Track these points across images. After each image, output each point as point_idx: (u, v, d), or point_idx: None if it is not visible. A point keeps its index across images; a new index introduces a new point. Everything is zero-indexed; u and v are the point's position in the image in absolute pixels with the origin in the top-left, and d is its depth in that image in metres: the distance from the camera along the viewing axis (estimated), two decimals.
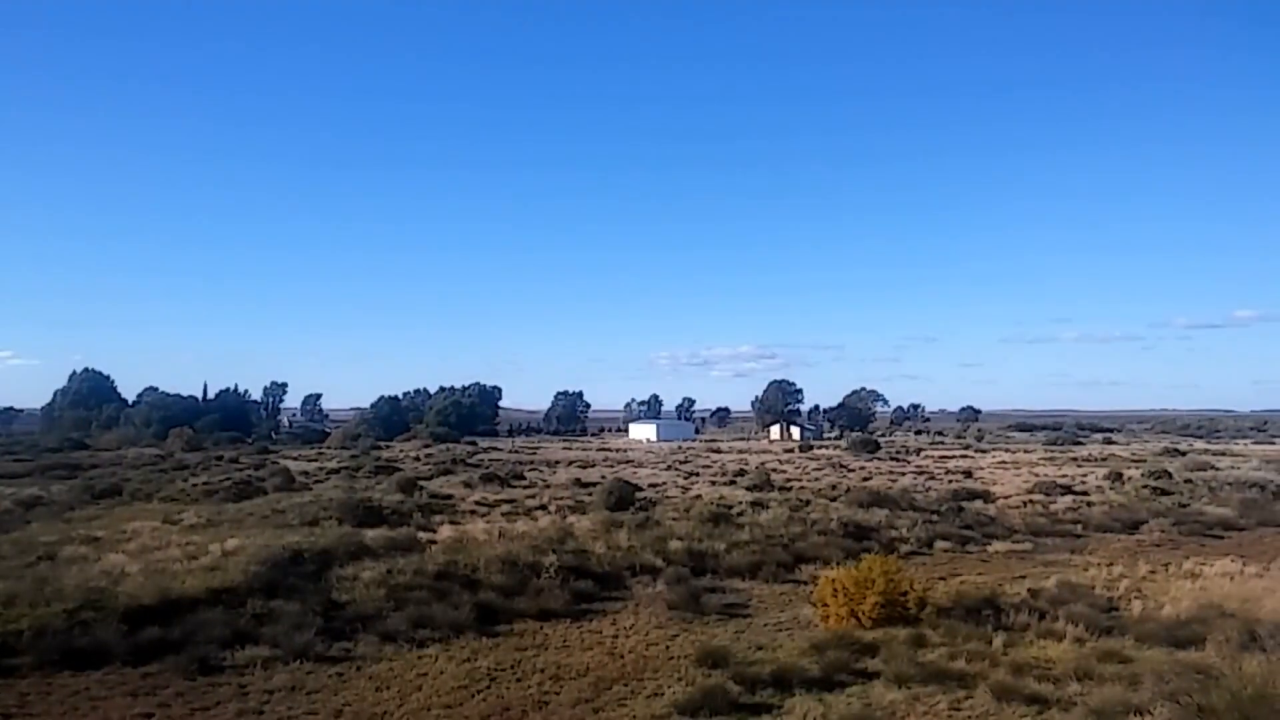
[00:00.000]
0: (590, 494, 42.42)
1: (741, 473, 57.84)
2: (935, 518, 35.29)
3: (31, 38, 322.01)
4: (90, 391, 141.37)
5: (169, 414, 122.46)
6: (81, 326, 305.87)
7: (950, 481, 53.09)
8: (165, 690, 14.84)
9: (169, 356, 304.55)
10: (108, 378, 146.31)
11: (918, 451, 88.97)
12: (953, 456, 79.62)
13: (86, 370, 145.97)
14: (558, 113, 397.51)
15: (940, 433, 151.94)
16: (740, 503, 37.93)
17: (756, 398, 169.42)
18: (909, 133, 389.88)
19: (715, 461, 72.82)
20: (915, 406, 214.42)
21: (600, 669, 16.46)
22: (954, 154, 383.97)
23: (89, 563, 24.05)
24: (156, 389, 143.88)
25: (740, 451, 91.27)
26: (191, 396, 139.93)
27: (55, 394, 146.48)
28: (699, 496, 42.13)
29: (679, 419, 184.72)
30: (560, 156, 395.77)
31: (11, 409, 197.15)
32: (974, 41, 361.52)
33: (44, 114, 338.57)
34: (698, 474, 59.45)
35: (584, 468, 65.52)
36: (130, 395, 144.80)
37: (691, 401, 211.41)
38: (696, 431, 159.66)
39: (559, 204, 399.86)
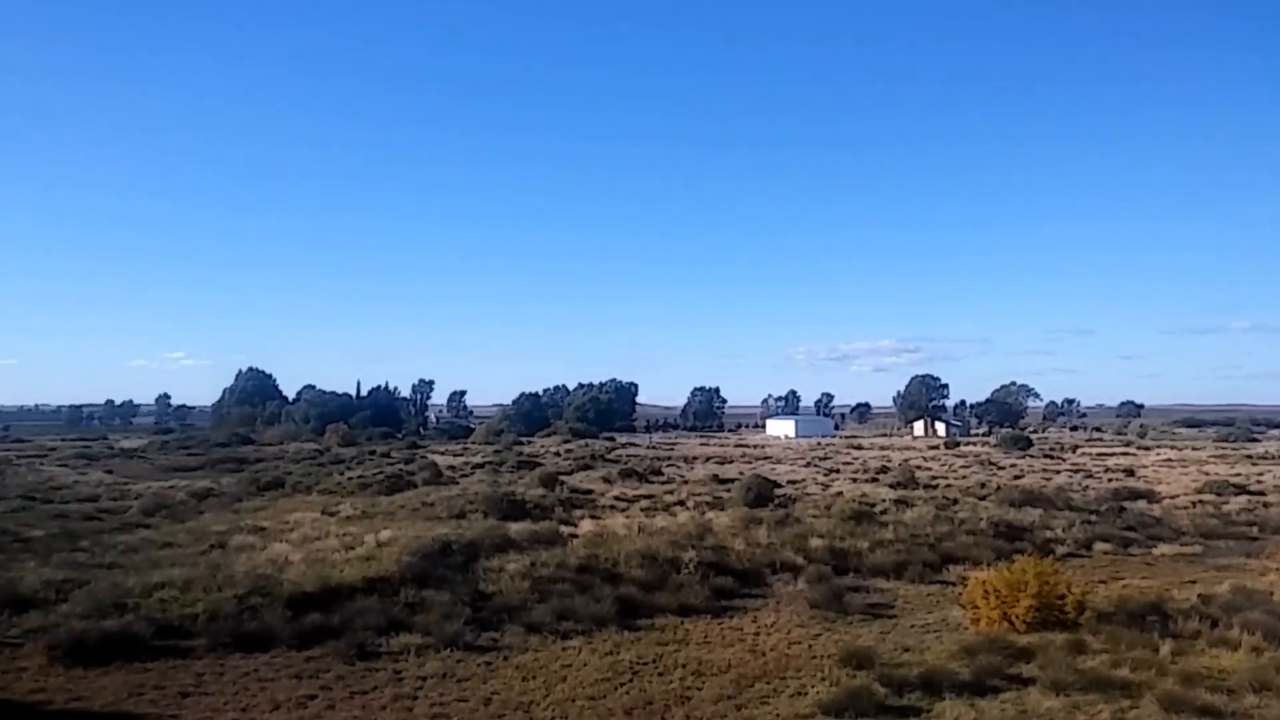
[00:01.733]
0: (728, 490, 42.30)
1: (884, 470, 56.52)
2: (1094, 518, 33.56)
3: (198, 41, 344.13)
4: (254, 389, 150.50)
5: (325, 410, 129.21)
6: (246, 328, 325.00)
7: (1110, 480, 50.45)
8: (327, 674, 15.59)
9: (325, 355, 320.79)
10: (270, 376, 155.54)
11: (1074, 448, 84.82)
12: (1112, 454, 75.50)
13: (251, 369, 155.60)
14: (692, 112, 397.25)
15: (1098, 429, 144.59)
16: (883, 500, 37.05)
17: (898, 393, 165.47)
18: (1060, 116, 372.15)
19: (856, 458, 71.44)
20: (1070, 401, 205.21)
21: (742, 666, 16.36)
22: (1107, 140, 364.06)
23: (256, 551, 25.54)
24: (314, 387, 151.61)
25: (882, 448, 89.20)
26: (346, 394, 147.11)
27: (223, 392, 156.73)
28: (840, 494, 41.39)
29: (817, 415, 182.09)
30: (697, 152, 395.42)
31: (184, 406, 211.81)
32: (1143, 26, 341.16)
33: (208, 121, 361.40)
34: (838, 471, 58.44)
35: (721, 464, 65.39)
36: (290, 393, 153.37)
37: (830, 397, 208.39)
38: (836, 428, 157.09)
39: (695, 202, 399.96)
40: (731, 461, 68.04)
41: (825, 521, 30.82)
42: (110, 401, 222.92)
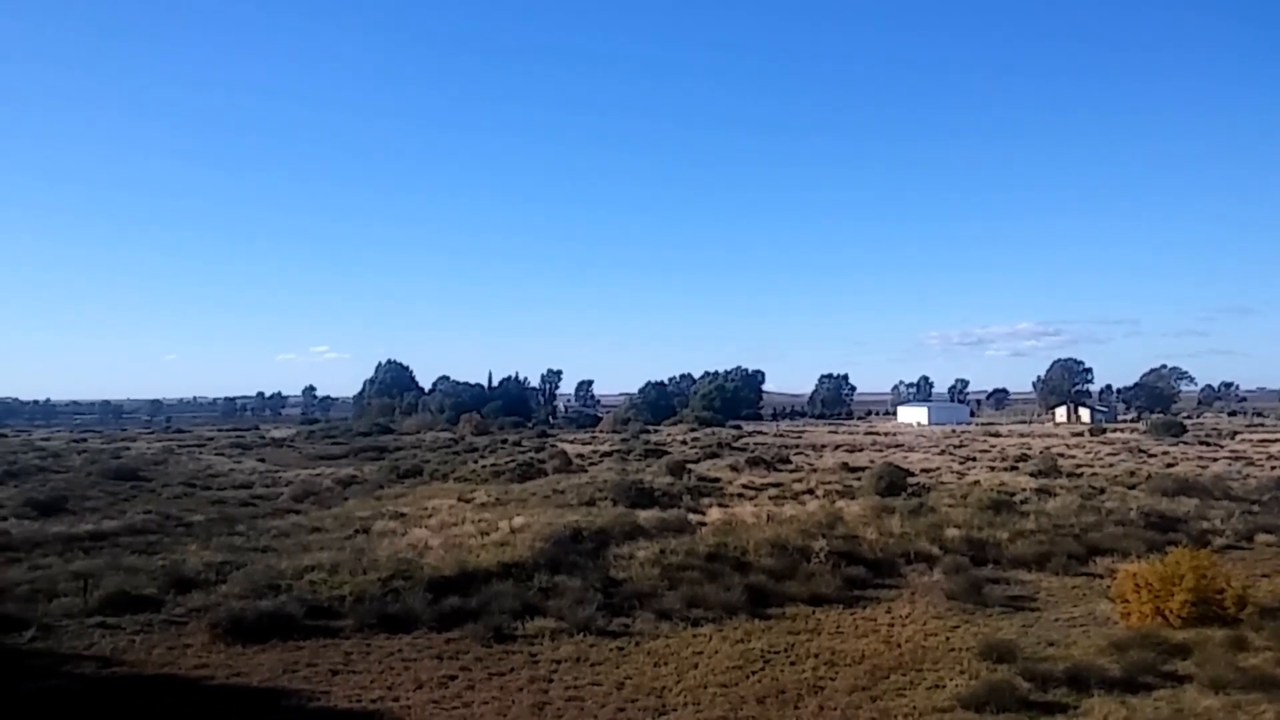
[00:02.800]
0: (859, 479, 41.54)
1: (1024, 458, 54.42)
2: (1256, 508, 31.49)
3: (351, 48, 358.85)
4: (393, 381, 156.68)
5: (459, 400, 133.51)
6: (385, 322, 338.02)
7: (1274, 468, 47.16)
8: (466, 655, 16.08)
9: (459, 347, 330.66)
10: (407, 368, 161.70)
11: (1232, 435, 79.58)
12: (1276, 440, 70.59)
13: (390, 362, 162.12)
14: (825, 101, 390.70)
15: (1260, 414, 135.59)
16: (1023, 490, 35.68)
17: (1038, 378, 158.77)
18: (1219, 80, 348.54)
19: (993, 446, 69.00)
20: (1228, 385, 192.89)
21: (876, 657, 16.05)
22: (1270, 106, 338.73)
23: (397, 536, 26.54)
24: (448, 378, 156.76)
25: (1021, 435, 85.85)
26: (478, 384, 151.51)
27: (364, 384, 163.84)
28: (977, 482, 40.06)
29: (951, 401, 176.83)
30: (826, 140, 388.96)
31: (329, 398, 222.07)
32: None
33: (348, 124, 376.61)
34: (974, 459, 56.61)
35: (851, 452, 64.27)
36: (426, 384, 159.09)
37: (965, 383, 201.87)
38: (971, 414, 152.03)
39: (823, 188, 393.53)
40: (861, 449, 66.80)
41: (962, 511, 29.88)
42: (261, 394, 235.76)
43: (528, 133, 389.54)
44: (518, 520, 27.52)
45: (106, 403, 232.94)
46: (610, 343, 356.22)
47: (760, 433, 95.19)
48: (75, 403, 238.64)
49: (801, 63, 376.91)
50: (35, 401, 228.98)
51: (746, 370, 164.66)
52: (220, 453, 69.66)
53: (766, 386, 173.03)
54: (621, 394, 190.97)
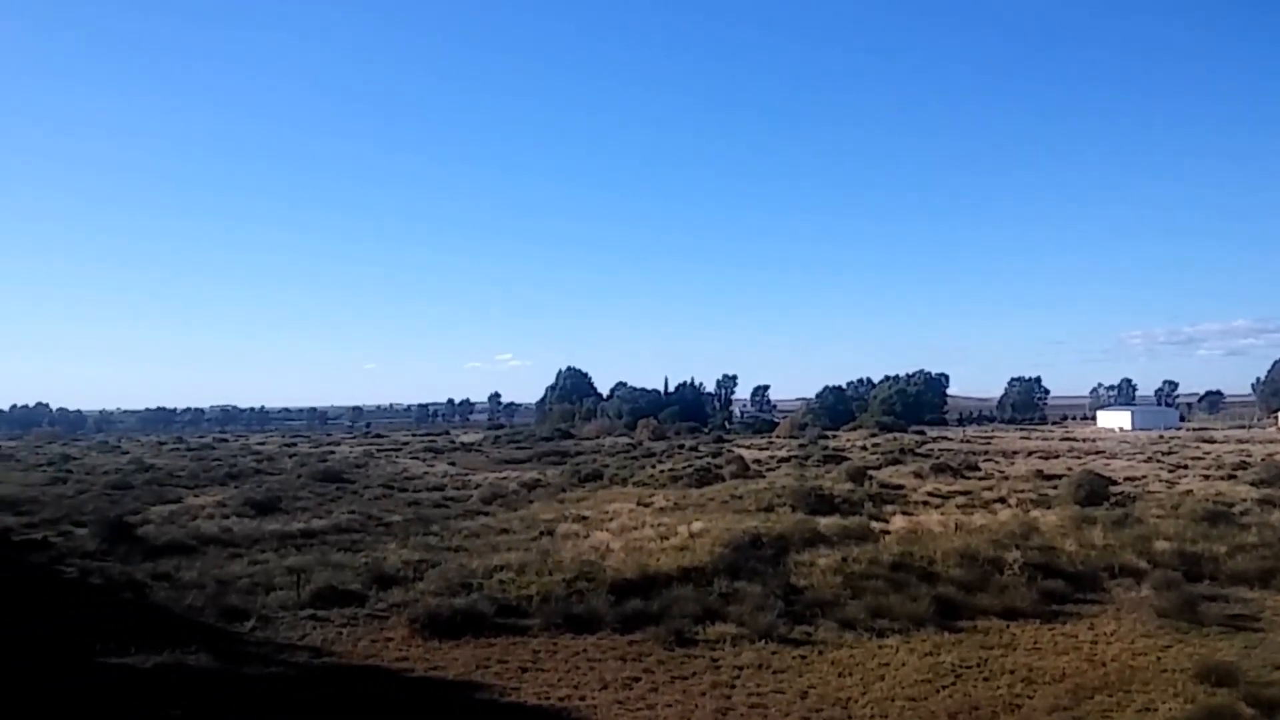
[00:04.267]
0: (1054, 487, 39.36)
1: (1243, 465, 49.99)
2: None
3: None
4: (573, 388, 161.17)
5: (636, 406, 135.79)
6: (565, 330, 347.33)
7: None
8: (648, 658, 16.27)
9: (635, 354, 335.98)
10: (586, 375, 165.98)
11: None
12: None
13: (570, 369, 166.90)
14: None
15: None
16: (1244, 500, 32.81)
17: (1258, 379, 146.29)
18: None
19: (1207, 453, 63.71)
20: None
21: (1078, 675, 15.11)
22: None
23: (580, 539, 27.20)
24: (625, 384, 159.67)
25: (1239, 441, 78.85)
26: (655, 390, 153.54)
27: (546, 390, 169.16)
28: (1189, 492, 37.15)
29: (1158, 405, 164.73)
30: (1016, 117, 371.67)
31: (513, 404, 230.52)
32: None
33: (525, 127, 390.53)
34: (1185, 466, 52.50)
35: (1045, 458, 60.96)
36: (604, 390, 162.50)
37: (1173, 385, 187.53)
38: (1181, 419, 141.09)
39: (1002, 171, 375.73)
40: (1057, 456, 63.24)
41: (1172, 522, 27.77)
42: (451, 400, 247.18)
43: (709, 131, 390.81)
44: (696, 525, 27.63)
45: (313, 409, 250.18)
46: (786, 347, 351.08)
47: (945, 438, 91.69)
48: (286, 409, 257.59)
49: (983, 49, 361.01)
50: (252, 409, 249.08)
51: (929, 373, 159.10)
52: (415, 456, 73.54)
53: (951, 390, 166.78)
54: (798, 399, 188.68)
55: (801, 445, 77.45)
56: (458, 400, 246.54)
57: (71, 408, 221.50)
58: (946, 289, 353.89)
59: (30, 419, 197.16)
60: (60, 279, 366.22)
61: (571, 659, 16.30)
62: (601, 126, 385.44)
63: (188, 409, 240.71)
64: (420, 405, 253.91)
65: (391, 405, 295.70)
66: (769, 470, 52.82)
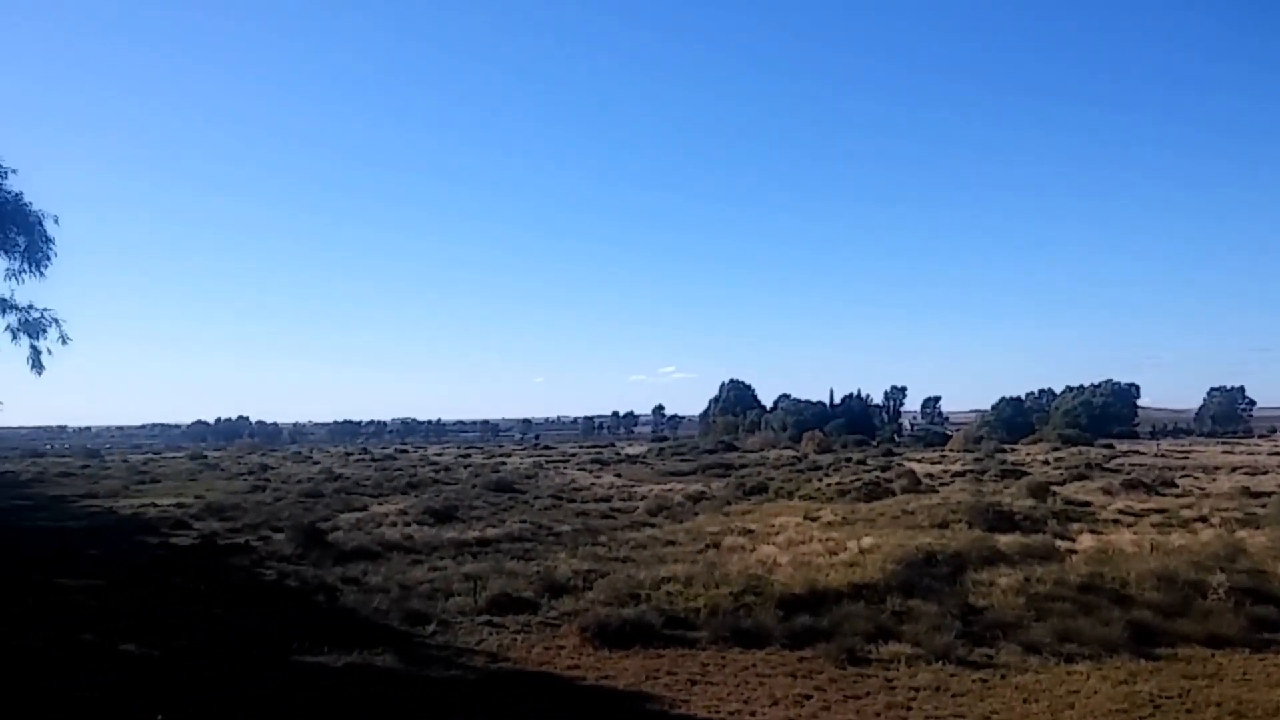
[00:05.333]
0: (1263, 505, 36.12)
1: None
2: None
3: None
4: (736, 399, 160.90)
5: (801, 418, 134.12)
6: (728, 342, 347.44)
7: None
8: (819, 675, 15.91)
9: (799, 365, 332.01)
10: (749, 387, 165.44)
11: None
12: None
13: (733, 381, 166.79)
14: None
15: None
16: None
17: None
18: None
19: None
20: None
21: None
22: None
23: (746, 552, 26.98)
24: (789, 396, 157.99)
25: None
26: (820, 402, 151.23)
27: (709, 402, 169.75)
28: None
29: None
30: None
31: (676, 416, 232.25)
32: None
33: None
34: None
35: (1252, 474, 56.05)
36: (768, 402, 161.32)
37: None
38: None
39: (1197, 166, 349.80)
40: (1266, 472, 58.02)
41: None
42: (615, 413, 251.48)
43: (889, 130, 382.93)
44: (866, 540, 26.91)
45: (485, 422, 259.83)
46: (959, 357, 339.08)
47: (1136, 452, 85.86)
48: (460, 422, 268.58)
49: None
50: (429, 421, 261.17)
51: (1117, 383, 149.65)
52: (582, 468, 75.00)
53: (1141, 401, 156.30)
54: (972, 410, 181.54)
55: (977, 459, 74.27)
56: (622, 413, 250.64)
57: (269, 420, 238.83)
58: (1136, 293, 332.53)
59: (233, 431, 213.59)
60: (260, 301, 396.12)
61: (740, 673, 16.14)
62: (772, 140, 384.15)
63: (371, 421, 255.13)
64: (586, 417, 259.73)
65: (559, 417, 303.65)
66: (942, 485, 50.88)
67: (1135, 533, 29.35)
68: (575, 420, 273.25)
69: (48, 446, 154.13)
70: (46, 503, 50.18)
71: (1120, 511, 35.85)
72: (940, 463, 72.93)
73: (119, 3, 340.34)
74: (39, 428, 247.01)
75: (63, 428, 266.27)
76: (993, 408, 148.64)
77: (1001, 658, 16.79)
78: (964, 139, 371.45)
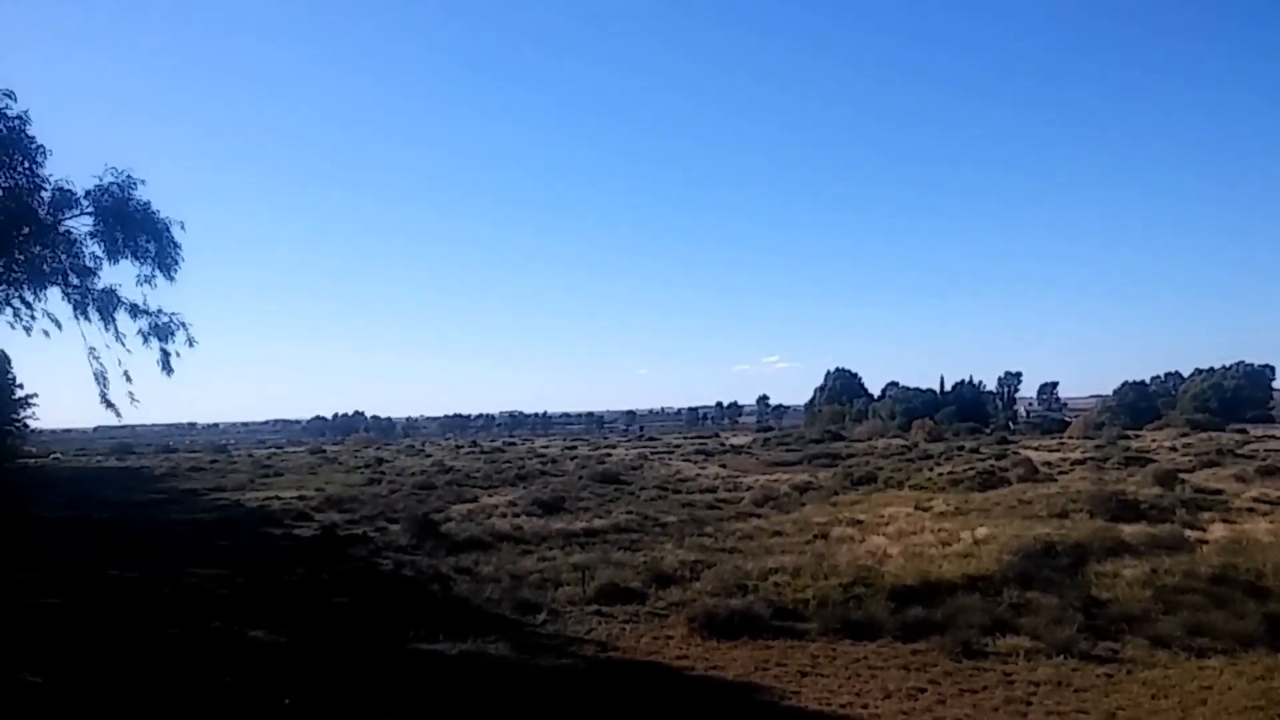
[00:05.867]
0: None
1: None
2: None
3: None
4: (842, 388, 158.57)
5: (910, 406, 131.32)
6: (833, 331, 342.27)
7: None
8: (934, 668, 15.57)
9: (907, 352, 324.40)
10: (856, 375, 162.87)
11: None
12: None
13: (839, 369, 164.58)
14: None
15: None
16: None
17: None
18: None
19: None
20: None
21: None
22: None
23: (855, 543, 26.57)
24: (897, 384, 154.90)
25: None
26: (930, 389, 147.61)
27: (815, 392, 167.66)
28: None
29: None
30: None
31: (781, 406, 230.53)
32: None
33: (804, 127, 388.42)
34: None
35: None
36: (875, 390, 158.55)
37: None
38: None
39: None
40: None
41: None
42: (719, 403, 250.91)
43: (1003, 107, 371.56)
44: (981, 531, 26.18)
45: (590, 414, 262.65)
46: (1076, 341, 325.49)
47: (1272, 437, 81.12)
48: (566, 414, 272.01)
49: None
50: (536, 414, 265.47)
51: (1250, 365, 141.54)
52: (686, 459, 75.05)
53: (1277, 383, 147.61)
54: (1091, 396, 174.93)
55: (1098, 446, 71.32)
56: (726, 403, 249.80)
57: (383, 415, 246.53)
58: (1270, 270, 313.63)
59: (349, 426, 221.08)
60: (373, 299, 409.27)
61: (851, 665, 15.92)
62: (876, 123, 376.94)
63: (480, 415, 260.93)
64: (690, 408, 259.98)
65: (663, 409, 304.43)
66: (1061, 473, 49.12)
67: (1272, 522, 27.82)
68: (679, 411, 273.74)
69: (180, 443, 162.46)
70: (179, 496, 52.96)
71: (1255, 500, 33.93)
72: (1058, 450, 70.32)
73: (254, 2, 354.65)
74: (170, 425, 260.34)
75: (192, 424, 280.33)
76: (1115, 392, 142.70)
77: (1127, 652, 16.14)
78: (1087, 114, 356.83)
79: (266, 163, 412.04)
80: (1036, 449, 71.70)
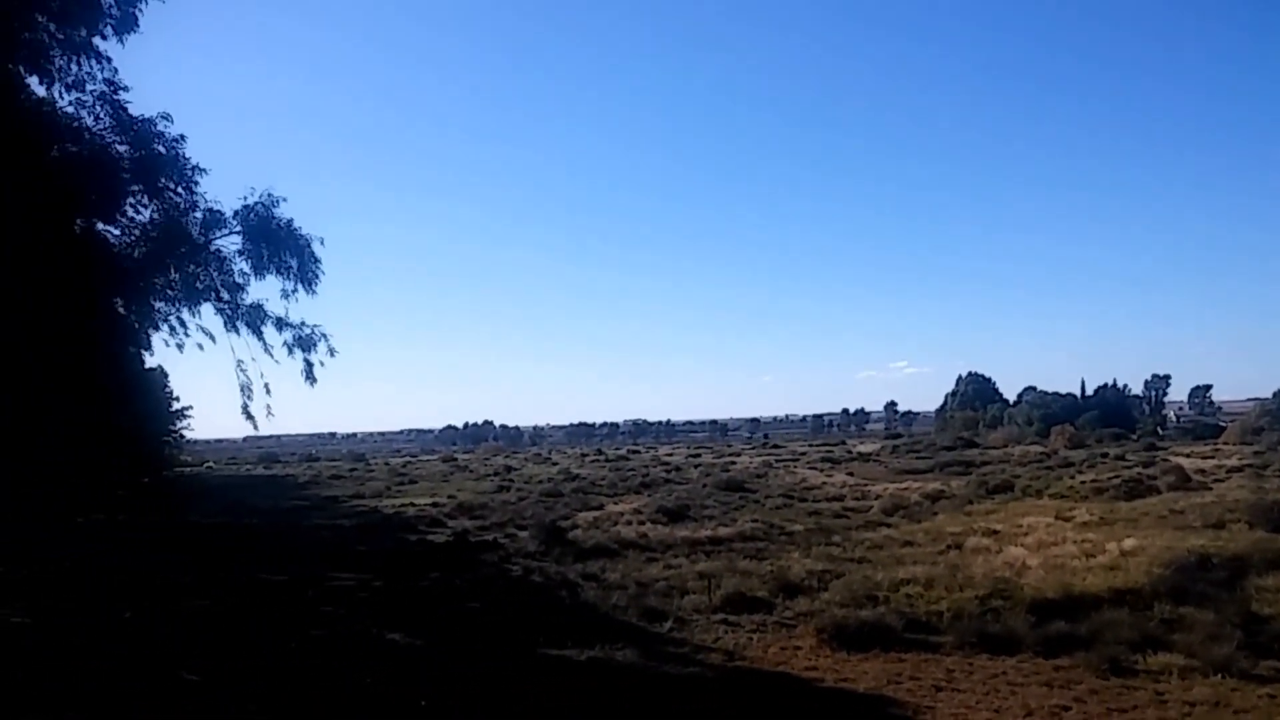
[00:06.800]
0: None
1: None
2: None
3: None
4: (975, 393, 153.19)
5: (1049, 412, 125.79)
6: (964, 334, 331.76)
7: None
8: (1078, 685, 14.81)
9: (1045, 355, 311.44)
10: (989, 380, 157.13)
11: None
12: None
13: (971, 374, 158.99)
14: None
15: None
16: None
17: None
18: None
19: None
20: None
21: None
22: None
23: (991, 554, 25.60)
24: (1035, 388, 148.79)
25: None
26: (1070, 394, 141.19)
27: (945, 397, 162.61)
28: None
29: None
30: None
31: (910, 412, 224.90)
32: None
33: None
34: None
35: None
36: (1010, 395, 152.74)
37: None
38: None
39: None
40: None
41: None
42: (845, 410, 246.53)
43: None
44: (1128, 542, 24.86)
45: (714, 421, 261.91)
46: (1230, 343, 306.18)
47: None
48: (689, 422, 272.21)
49: None
50: (659, 422, 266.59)
51: None
52: (812, 466, 74.01)
53: None
54: (1249, 399, 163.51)
55: (1257, 453, 66.89)
56: (852, 410, 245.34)
57: (511, 424, 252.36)
58: None
59: (479, 435, 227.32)
60: (501, 311, 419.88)
61: (989, 680, 15.31)
62: (1008, 111, 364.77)
63: (604, 423, 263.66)
64: (815, 415, 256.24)
65: (787, 416, 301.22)
66: (1216, 481, 46.20)
67: None
68: (804, 418, 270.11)
69: (322, 452, 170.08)
70: (321, 503, 55.48)
71: None
72: (1213, 457, 66.24)
73: (391, 18, 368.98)
74: (313, 434, 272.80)
75: (332, 434, 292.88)
76: (1275, 394, 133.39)
77: None
78: (1250, 95, 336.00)
79: (401, 175, 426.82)
80: (1188, 456, 67.74)
